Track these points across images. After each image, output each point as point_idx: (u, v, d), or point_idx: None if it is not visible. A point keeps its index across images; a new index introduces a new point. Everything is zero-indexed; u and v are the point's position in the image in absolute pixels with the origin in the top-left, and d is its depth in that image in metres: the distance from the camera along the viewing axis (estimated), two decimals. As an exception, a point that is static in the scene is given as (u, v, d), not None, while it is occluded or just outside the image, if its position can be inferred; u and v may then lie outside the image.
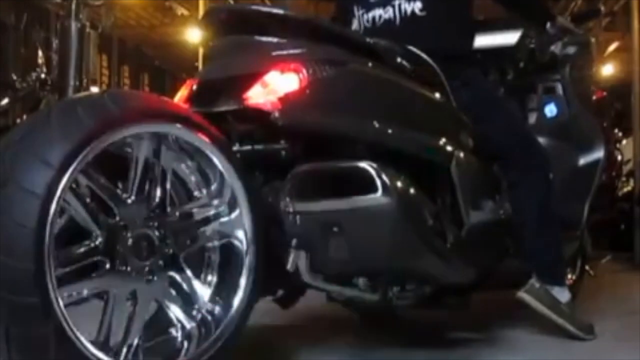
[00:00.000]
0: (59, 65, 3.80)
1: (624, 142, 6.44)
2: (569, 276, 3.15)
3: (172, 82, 12.42)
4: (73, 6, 3.65)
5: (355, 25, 2.42)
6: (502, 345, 2.36)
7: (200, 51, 6.40)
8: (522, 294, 2.36)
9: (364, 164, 1.81)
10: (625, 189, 6.11)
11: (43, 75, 4.33)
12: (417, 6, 2.30)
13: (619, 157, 6.10)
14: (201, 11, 6.54)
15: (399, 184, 1.84)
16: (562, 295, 2.41)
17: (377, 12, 2.36)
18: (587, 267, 3.32)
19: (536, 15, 2.66)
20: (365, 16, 2.39)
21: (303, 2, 7.49)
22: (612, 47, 9.21)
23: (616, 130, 6.61)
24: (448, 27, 2.32)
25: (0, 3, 7.53)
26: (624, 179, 6.11)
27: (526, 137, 2.47)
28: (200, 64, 6.33)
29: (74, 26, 3.64)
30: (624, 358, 2.23)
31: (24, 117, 4.33)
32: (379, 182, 1.79)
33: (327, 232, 1.82)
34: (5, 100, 4.56)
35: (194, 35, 8.89)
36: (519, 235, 2.39)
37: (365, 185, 1.80)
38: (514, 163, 2.38)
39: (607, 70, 9.81)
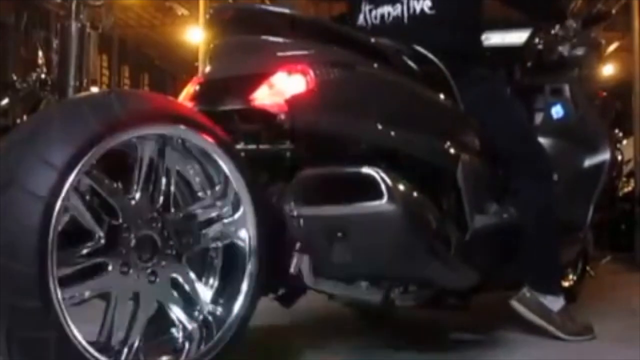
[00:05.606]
0: (59, 65, 3.78)
1: (624, 142, 6.43)
2: (570, 276, 3.15)
3: (172, 82, 12.43)
4: (73, 6, 3.63)
5: (361, 20, 2.40)
6: (502, 346, 2.36)
7: (201, 51, 6.41)
8: (513, 302, 2.38)
9: (369, 170, 1.80)
10: (625, 189, 6.11)
11: (43, 76, 4.33)
12: (427, 4, 2.28)
13: (619, 157, 6.08)
14: (201, 11, 6.54)
15: (404, 190, 1.82)
16: (555, 303, 2.39)
17: (386, 9, 2.33)
18: (587, 268, 3.32)
19: (545, 16, 2.65)
20: (373, 12, 2.36)
21: (303, 2, 7.48)
22: (612, 47, 9.19)
23: (616, 131, 6.60)
24: (457, 26, 2.30)
25: (0, 3, 7.52)
26: (624, 179, 6.10)
27: (530, 143, 2.45)
28: (200, 64, 6.32)
29: (74, 26, 3.62)
30: (623, 358, 2.23)
31: (24, 117, 4.32)
32: (384, 189, 1.78)
33: (332, 237, 1.81)
34: (6, 101, 4.55)
35: (194, 35, 8.89)
36: (519, 240, 2.38)
37: (371, 191, 1.79)
38: (516, 169, 2.36)
39: (607, 70, 9.80)
